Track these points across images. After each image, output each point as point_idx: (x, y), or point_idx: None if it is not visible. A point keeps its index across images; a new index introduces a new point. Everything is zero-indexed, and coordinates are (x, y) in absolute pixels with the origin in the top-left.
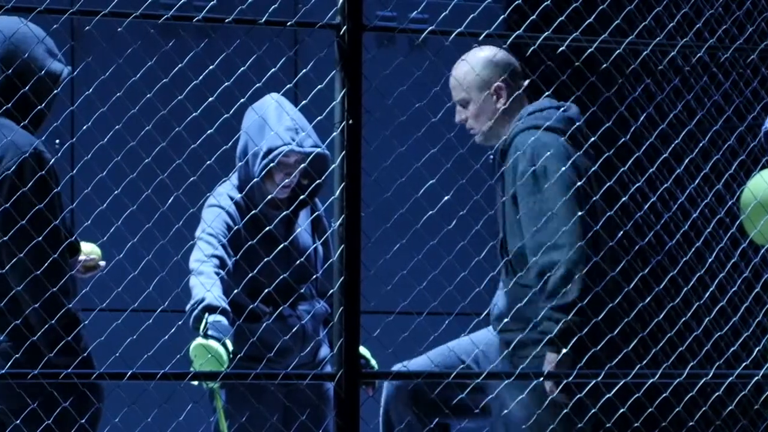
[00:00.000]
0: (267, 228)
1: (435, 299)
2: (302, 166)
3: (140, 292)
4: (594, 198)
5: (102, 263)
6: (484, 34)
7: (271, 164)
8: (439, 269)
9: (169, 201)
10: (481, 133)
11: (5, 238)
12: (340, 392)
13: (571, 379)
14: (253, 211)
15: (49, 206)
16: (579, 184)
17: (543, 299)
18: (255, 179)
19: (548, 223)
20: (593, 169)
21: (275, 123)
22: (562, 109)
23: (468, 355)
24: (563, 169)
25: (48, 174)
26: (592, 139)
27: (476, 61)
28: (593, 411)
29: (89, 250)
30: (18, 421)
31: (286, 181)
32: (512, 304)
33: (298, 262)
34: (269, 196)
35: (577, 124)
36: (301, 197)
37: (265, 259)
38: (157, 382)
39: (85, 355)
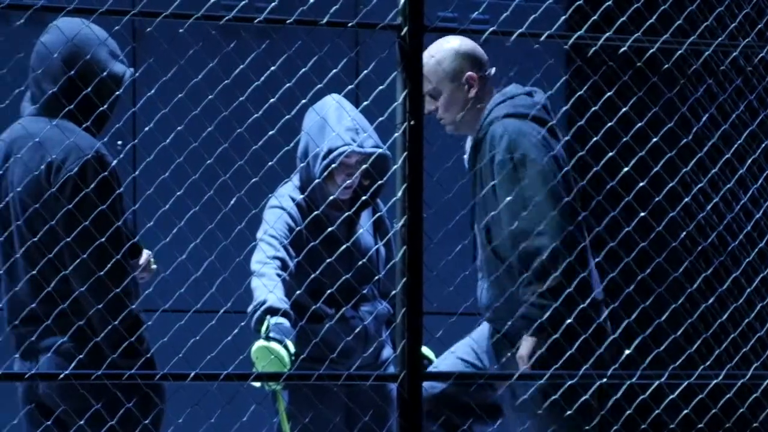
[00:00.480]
0: (329, 229)
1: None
2: (363, 167)
3: (203, 293)
4: (580, 184)
5: (154, 267)
6: (545, 35)
7: (332, 165)
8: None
9: (231, 202)
10: (452, 123)
11: (68, 240)
12: (402, 393)
13: (635, 380)
14: (314, 212)
15: (110, 208)
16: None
17: (525, 285)
18: (316, 180)
19: (529, 210)
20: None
21: (335, 124)
22: (529, 94)
23: (467, 354)
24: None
25: (110, 176)
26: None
27: (445, 53)
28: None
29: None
30: (82, 422)
31: (348, 182)
32: (497, 293)
33: (360, 263)
34: (331, 197)
35: (543, 106)
36: (363, 198)
37: (327, 260)
38: (220, 383)
39: (148, 356)
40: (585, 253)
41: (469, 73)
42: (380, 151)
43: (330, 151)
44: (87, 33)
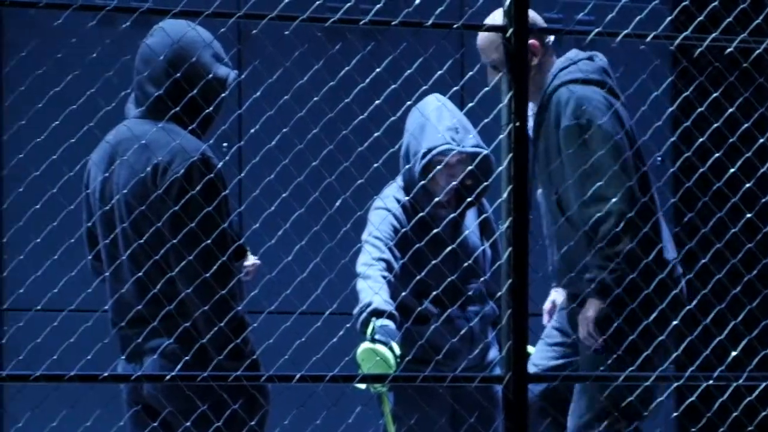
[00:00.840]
0: (435, 231)
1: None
2: (466, 167)
3: (308, 294)
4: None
5: (258, 261)
6: (651, 36)
7: (431, 164)
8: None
9: (337, 204)
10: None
11: (173, 242)
12: (508, 394)
13: (681, 382)
14: (420, 214)
15: (216, 210)
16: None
17: (593, 249)
18: (417, 180)
19: (596, 175)
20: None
21: (436, 123)
22: (590, 58)
23: (552, 336)
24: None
25: (215, 178)
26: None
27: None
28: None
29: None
30: (188, 423)
31: (453, 183)
32: (567, 259)
33: (466, 264)
34: (436, 199)
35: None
36: (469, 199)
37: (433, 262)
38: (326, 384)
39: (253, 357)
40: (654, 215)
41: (532, 40)
42: (481, 150)
43: (429, 150)
44: (192, 35)
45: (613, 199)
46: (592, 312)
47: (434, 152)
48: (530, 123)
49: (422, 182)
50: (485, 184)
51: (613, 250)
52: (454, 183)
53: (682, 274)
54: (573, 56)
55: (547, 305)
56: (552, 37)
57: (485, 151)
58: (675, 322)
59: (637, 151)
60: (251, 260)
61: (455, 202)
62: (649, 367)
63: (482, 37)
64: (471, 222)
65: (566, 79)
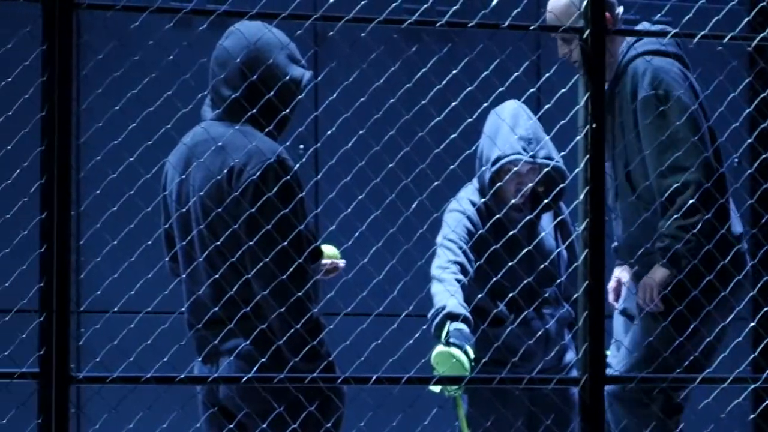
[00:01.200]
0: (511, 233)
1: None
2: (536, 177)
3: (384, 296)
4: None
5: (342, 263)
6: (728, 37)
7: (502, 172)
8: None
9: (413, 205)
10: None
11: (250, 243)
12: (584, 397)
13: (759, 384)
14: (496, 216)
15: (292, 212)
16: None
17: (666, 219)
18: (488, 186)
19: (674, 146)
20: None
21: (509, 131)
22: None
23: (618, 329)
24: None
25: (291, 180)
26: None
27: None
28: None
29: (331, 252)
30: (264, 425)
31: (522, 190)
32: (635, 232)
33: (542, 266)
34: (513, 201)
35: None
36: (545, 201)
37: (509, 264)
38: (402, 386)
39: (329, 359)
40: (725, 188)
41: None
42: (551, 162)
43: (499, 159)
44: (267, 37)
45: (691, 170)
46: (659, 277)
47: (504, 161)
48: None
49: (492, 188)
50: (561, 185)
51: (688, 221)
52: (523, 190)
53: (747, 249)
54: (644, 28)
55: (612, 283)
56: (621, 9)
57: (554, 163)
58: (752, 324)
59: (706, 116)
60: (337, 261)
61: (531, 204)
62: (711, 329)
63: (555, 7)
64: (547, 224)
65: (642, 51)
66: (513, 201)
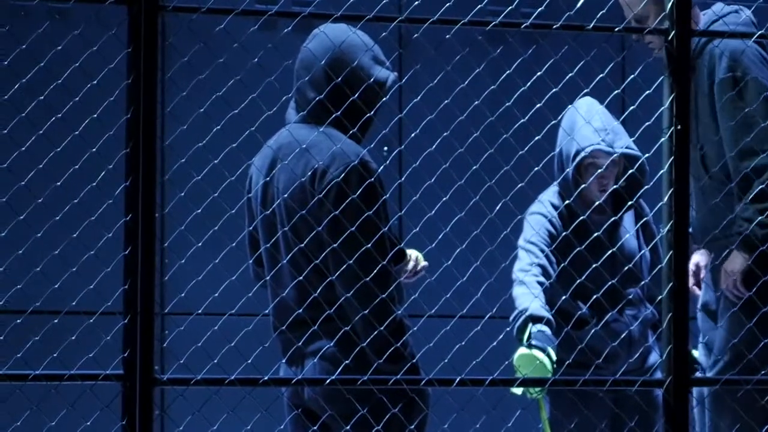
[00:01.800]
0: (595, 234)
1: (766, 304)
2: (616, 169)
3: (468, 298)
4: None
5: (425, 263)
6: None
7: (584, 165)
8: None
9: (497, 208)
10: (661, 47)
11: (334, 246)
12: (669, 399)
13: None
14: (580, 218)
15: (375, 213)
16: None
17: (744, 203)
18: (572, 182)
19: (751, 128)
20: None
21: (584, 124)
22: (736, 12)
23: (702, 327)
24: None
25: (374, 181)
26: None
27: None
28: None
29: (414, 256)
30: (347, 427)
31: (608, 187)
32: (712, 217)
33: (626, 268)
34: (595, 203)
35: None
36: (629, 203)
37: (593, 265)
38: (485, 388)
39: (413, 361)
40: None
41: None
42: (631, 152)
43: (578, 152)
44: (351, 39)
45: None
46: (738, 265)
47: (583, 153)
48: None
49: (573, 184)
50: (645, 187)
51: (765, 205)
52: (609, 187)
53: None
54: (719, 10)
55: (691, 266)
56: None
57: (635, 152)
58: None
59: None
60: (419, 262)
61: (612, 206)
62: None
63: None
64: (629, 225)
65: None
66: (597, 201)
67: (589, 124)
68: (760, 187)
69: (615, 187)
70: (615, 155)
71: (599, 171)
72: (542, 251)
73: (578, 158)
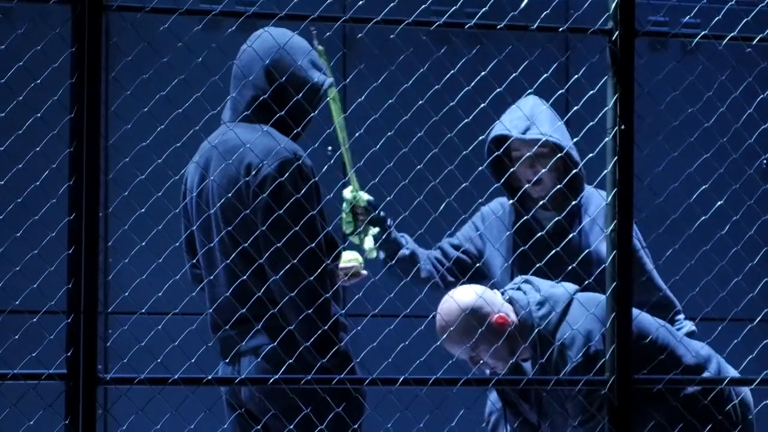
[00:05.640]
0: (542, 231)
1: (708, 305)
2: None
3: (412, 298)
4: None
5: (364, 272)
6: (757, 39)
7: (510, 156)
8: (712, 275)
9: (441, 207)
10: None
11: (263, 229)
12: (612, 399)
13: None
14: (528, 213)
15: (309, 212)
16: None
17: None
18: (492, 174)
19: None
20: None
21: (505, 116)
22: None
23: None
24: None
25: (309, 177)
26: None
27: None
28: None
29: (351, 257)
30: (291, 426)
31: (535, 173)
32: None
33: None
34: (541, 203)
35: None
36: (573, 202)
37: (538, 265)
38: (429, 387)
39: (346, 359)
40: None
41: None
42: (545, 138)
43: (488, 140)
44: (290, 41)
45: None
46: None
47: (489, 138)
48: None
49: (500, 176)
50: (574, 172)
51: None
52: (544, 179)
53: None
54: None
55: None
56: None
57: (550, 139)
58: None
59: None
60: (360, 269)
61: (556, 201)
62: None
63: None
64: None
65: None
66: (533, 193)
67: (508, 115)
68: None
69: (559, 186)
70: (526, 142)
71: (516, 161)
72: (451, 246)
73: (486, 144)
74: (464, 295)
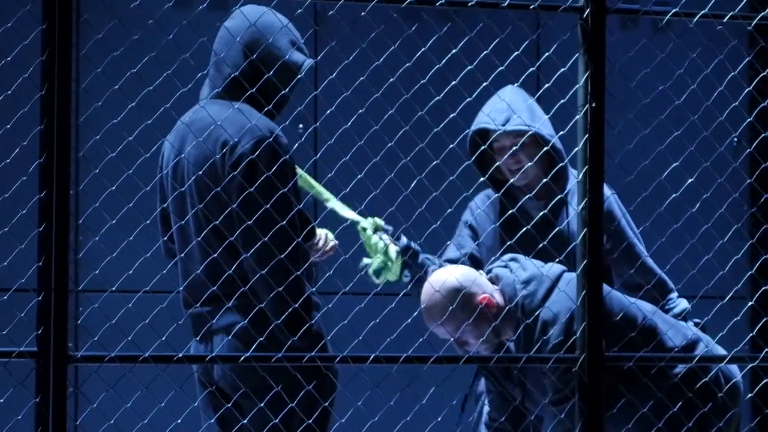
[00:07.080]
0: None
1: (678, 283)
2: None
3: None
4: None
5: (335, 242)
6: (728, 16)
7: (493, 149)
8: (683, 252)
9: (412, 185)
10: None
11: (234, 207)
12: (583, 376)
13: (757, 363)
14: (517, 204)
15: (285, 187)
16: None
17: None
18: (476, 167)
19: None
20: None
21: (484, 108)
22: None
23: None
24: None
25: (283, 155)
26: None
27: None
28: None
29: (323, 235)
30: (262, 404)
31: (519, 164)
32: None
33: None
34: (528, 196)
35: None
36: (560, 196)
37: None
38: (400, 365)
39: (318, 338)
40: None
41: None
42: (518, 127)
43: (469, 134)
44: (270, 20)
45: None
46: None
47: (470, 134)
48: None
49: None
50: (561, 164)
51: None
52: (527, 169)
53: None
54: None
55: None
56: None
57: (528, 128)
58: (750, 303)
59: None
60: (328, 241)
61: (544, 192)
62: None
63: None
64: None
65: None
66: (517, 183)
67: (488, 106)
68: None
69: (546, 180)
70: (506, 133)
71: (499, 154)
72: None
73: (468, 138)
74: (450, 276)
